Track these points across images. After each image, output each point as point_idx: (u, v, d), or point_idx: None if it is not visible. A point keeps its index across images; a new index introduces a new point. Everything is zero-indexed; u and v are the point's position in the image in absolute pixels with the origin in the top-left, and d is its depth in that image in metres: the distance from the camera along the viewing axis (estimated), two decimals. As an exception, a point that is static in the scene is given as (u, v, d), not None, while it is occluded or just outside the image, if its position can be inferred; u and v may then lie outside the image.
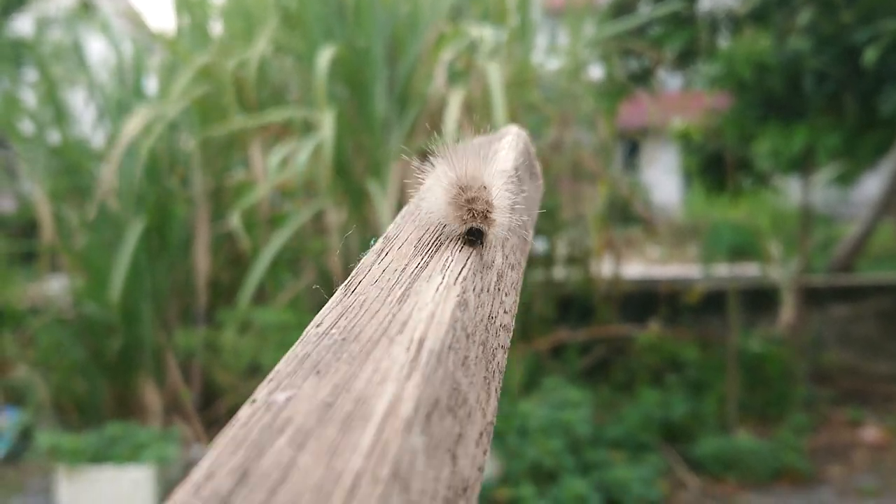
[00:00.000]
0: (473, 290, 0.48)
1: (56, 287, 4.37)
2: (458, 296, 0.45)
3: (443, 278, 0.47)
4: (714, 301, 4.84)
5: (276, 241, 3.32)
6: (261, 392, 0.38)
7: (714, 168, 5.12)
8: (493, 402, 0.47)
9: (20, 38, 5.16)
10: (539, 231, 3.83)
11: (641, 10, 4.74)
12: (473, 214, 0.52)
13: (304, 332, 0.44)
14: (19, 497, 3.57)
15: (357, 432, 0.33)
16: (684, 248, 6.78)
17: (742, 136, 4.50)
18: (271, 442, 0.34)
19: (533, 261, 4.11)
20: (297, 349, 0.42)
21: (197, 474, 0.33)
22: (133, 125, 3.40)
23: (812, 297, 5.26)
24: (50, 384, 3.93)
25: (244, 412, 0.36)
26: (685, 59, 4.97)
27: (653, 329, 4.49)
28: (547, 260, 4.38)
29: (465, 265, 0.50)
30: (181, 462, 3.38)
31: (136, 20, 4.78)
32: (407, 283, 0.47)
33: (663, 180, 9.11)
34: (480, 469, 0.42)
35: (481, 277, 0.51)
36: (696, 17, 4.74)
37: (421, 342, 0.40)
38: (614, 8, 4.86)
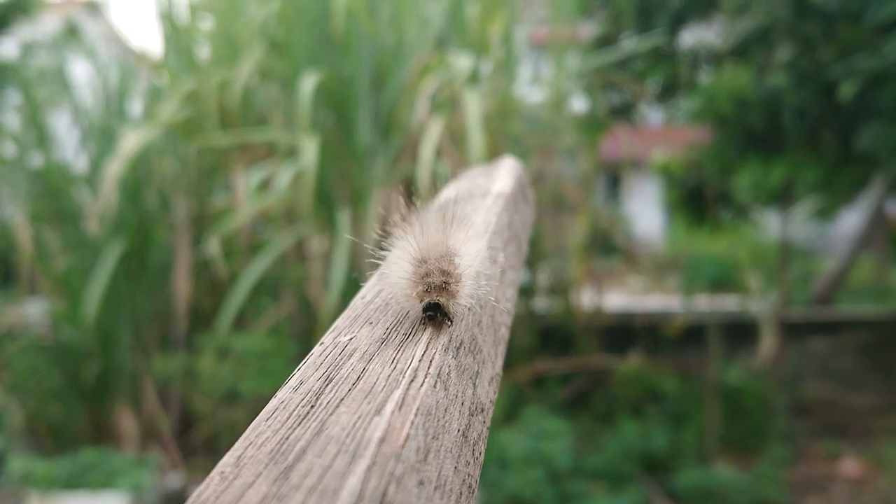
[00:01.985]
0: (484, 275, 0.60)
1: (34, 311, 4.33)
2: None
3: None
4: (694, 333, 4.86)
5: (257, 268, 3.30)
6: (326, 337, 0.50)
7: (695, 201, 5.17)
8: (500, 360, 0.61)
9: (4, 61, 5.15)
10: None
11: (624, 45, 4.80)
12: (430, 289, 0.51)
13: (351, 303, 0.56)
14: (-11, 524, 3.51)
15: (410, 350, 0.47)
16: (665, 280, 6.81)
17: (722, 169, 4.54)
18: (345, 361, 0.46)
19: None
20: (348, 312, 0.54)
21: (290, 382, 0.44)
22: (127, 148, 3.38)
23: (791, 331, 5.29)
24: (25, 409, 3.87)
25: (316, 350, 0.48)
26: (666, 94, 5.03)
27: (633, 360, 4.50)
28: (528, 290, 4.38)
29: (475, 258, 0.63)
30: (156, 490, 3.34)
31: (121, 43, 4.79)
32: None
33: (645, 212, 9.17)
34: (491, 402, 0.54)
35: (489, 267, 0.62)
36: (678, 53, 4.81)
37: None
38: (597, 41, 4.92)
